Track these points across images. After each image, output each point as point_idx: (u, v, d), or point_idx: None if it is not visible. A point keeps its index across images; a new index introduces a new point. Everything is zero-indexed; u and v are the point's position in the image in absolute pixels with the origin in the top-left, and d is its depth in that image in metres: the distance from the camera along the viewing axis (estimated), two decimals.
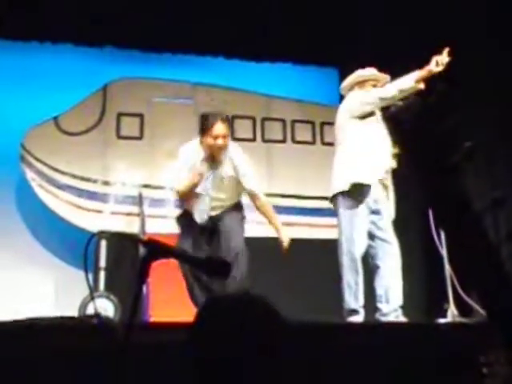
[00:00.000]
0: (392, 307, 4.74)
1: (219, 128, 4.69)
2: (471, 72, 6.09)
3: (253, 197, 4.95)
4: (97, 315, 4.03)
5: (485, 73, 6.11)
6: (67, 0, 6.16)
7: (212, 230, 4.86)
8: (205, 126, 4.73)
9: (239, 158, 4.88)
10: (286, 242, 4.89)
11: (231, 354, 1.46)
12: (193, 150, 4.84)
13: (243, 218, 5.00)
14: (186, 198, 4.81)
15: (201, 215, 4.81)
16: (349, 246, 4.77)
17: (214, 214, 4.84)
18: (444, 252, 5.38)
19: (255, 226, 7.01)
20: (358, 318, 4.70)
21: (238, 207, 4.98)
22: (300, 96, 7.46)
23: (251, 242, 6.60)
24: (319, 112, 7.29)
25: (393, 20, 6.31)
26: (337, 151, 4.98)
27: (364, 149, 4.81)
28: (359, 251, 4.76)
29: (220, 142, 4.71)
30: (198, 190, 4.75)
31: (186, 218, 4.87)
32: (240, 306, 1.55)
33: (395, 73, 4.98)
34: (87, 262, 2.09)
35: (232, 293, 1.63)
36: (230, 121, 4.88)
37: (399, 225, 5.10)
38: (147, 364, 2.64)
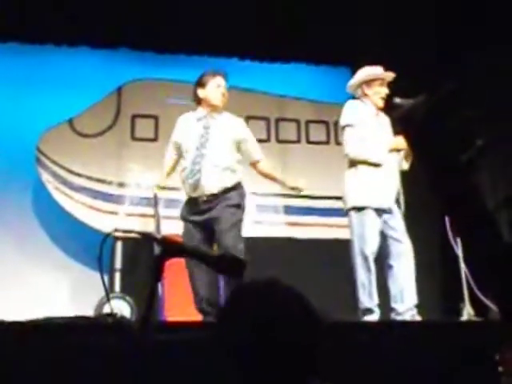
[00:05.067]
0: (407, 306, 4.74)
1: (221, 79, 4.82)
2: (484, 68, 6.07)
3: (255, 163, 4.98)
4: (112, 314, 4.05)
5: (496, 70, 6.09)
6: (82, 3, 6.18)
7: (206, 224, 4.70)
8: (206, 79, 4.80)
9: (240, 123, 4.92)
10: (294, 186, 4.99)
11: (266, 340, 1.46)
12: (183, 122, 4.88)
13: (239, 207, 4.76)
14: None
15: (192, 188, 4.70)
16: (360, 245, 4.77)
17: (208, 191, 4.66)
18: (459, 251, 5.37)
19: (276, 227, 7.05)
20: (374, 317, 4.69)
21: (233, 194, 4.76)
22: (313, 96, 7.45)
23: (264, 243, 6.65)
24: (333, 111, 7.22)
25: (404, 19, 6.31)
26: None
27: (378, 170, 4.85)
28: (371, 250, 4.76)
29: (223, 90, 4.78)
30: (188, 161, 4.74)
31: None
32: (272, 292, 1.54)
33: (406, 71, 5.00)
34: (102, 262, 2.09)
35: (259, 280, 1.60)
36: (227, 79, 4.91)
37: (414, 224, 5.09)
38: (162, 361, 2.65)
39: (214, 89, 4.77)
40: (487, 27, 6.03)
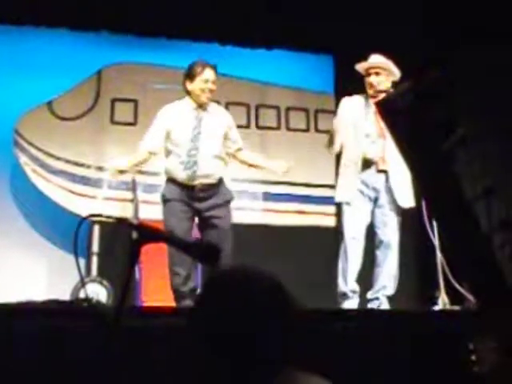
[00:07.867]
0: (373, 295, 4.82)
1: (209, 72, 4.78)
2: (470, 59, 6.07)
3: (237, 151, 5.06)
4: (87, 299, 4.04)
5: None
6: None
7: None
8: (194, 72, 4.78)
9: (226, 113, 5.06)
10: (280, 168, 5.08)
11: (242, 328, 1.45)
12: (172, 111, 4.84)
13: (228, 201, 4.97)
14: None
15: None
16: (342, 231, 4.85)
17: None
18: (436, 240, 5.40)
19: (254, 213, 7.05)
20: (350, 303, 4.74)
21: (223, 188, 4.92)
22: (295, 83, 7.43)
23: (248, 229, 6.65)
24: (314, 99, 7.27)
25: (388, 7, 6.29)
26: None
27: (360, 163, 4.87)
28: (350, 235, 4.82)
29: (210, 85, 4.76)
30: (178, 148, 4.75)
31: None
32: (249, 278, 1.54)
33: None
34: (77, 246, 2.07)
35: (235, 267, 1.60)
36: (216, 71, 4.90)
37: None
38: (138, 348, 2.65)
39: (201, 84, 4.77)
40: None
